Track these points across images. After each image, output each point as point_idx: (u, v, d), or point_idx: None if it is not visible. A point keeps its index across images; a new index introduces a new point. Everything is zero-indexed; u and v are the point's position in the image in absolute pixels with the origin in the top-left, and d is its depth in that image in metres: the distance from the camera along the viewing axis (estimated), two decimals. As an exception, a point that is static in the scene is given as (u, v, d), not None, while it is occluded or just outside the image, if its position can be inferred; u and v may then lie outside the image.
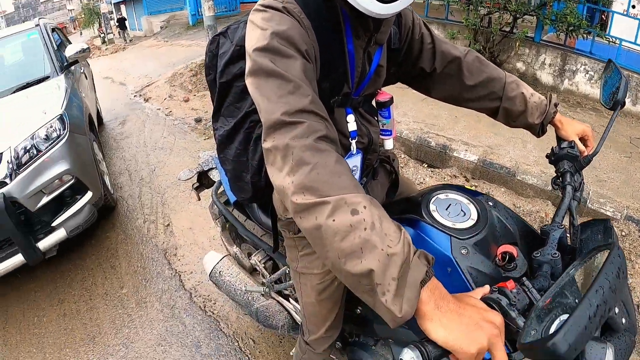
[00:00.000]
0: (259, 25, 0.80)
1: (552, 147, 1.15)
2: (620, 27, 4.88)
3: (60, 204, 2.49)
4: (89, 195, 2.59)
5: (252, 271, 1.82)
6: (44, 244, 2.38)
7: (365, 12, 0.81)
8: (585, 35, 4.55)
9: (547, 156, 1.17)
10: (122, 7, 19.67)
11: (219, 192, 1.83)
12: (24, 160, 2.34)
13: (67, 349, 2.13)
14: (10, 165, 2.30)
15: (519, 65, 5.11)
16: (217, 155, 1.24)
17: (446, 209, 1.01)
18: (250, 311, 1.71)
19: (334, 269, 0.67)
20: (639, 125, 4.28)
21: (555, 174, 1.12)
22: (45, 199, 2.37)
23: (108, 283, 2.53)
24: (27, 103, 2.85)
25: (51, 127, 2.53)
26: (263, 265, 1.72)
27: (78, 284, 2.55)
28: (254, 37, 0.79)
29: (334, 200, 0.65)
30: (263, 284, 1.70)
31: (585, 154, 1.14)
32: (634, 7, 5.56)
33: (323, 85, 0.89)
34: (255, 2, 0.85)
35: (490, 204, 1.05)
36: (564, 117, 1.18)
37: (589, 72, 4.75)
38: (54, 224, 2.43)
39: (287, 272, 1.56)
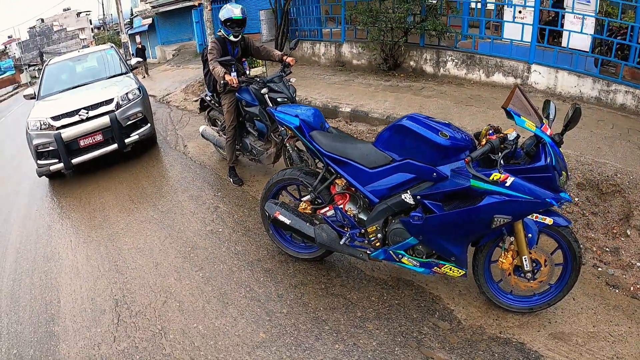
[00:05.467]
0: (210, 41, 3.74)
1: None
2: (510, 30, 6.79)
3: (137, 126, 5.15)
4: (149, 124, 5.24)
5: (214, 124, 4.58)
6: (128, 140, 5.03)
7: (231, 39, 3.75)
8: (445, 37, 7.11)
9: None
10: (137, 37, 22.08)
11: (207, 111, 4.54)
12: (122, 103, 5.01)
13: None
14: (117, 104, 4.98)
15: (412, 63, 7.61)
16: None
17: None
18: (217, 142, 4.35)
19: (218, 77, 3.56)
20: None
21: None
22: (130, 122, 5.03)
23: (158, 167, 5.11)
24: (119, 81, 5.63)
25: (134, 91, 5.24)
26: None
27: (142, 172, 5.13)
28: (210, 46, 3.72)
29: (217, 66, 3.56)
30: (218, 131, 4.35)
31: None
32: (520, 12, 7.75)
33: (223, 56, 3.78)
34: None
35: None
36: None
37: (455, 61, 7.29)
38: (132, 134, 5.07)
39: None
